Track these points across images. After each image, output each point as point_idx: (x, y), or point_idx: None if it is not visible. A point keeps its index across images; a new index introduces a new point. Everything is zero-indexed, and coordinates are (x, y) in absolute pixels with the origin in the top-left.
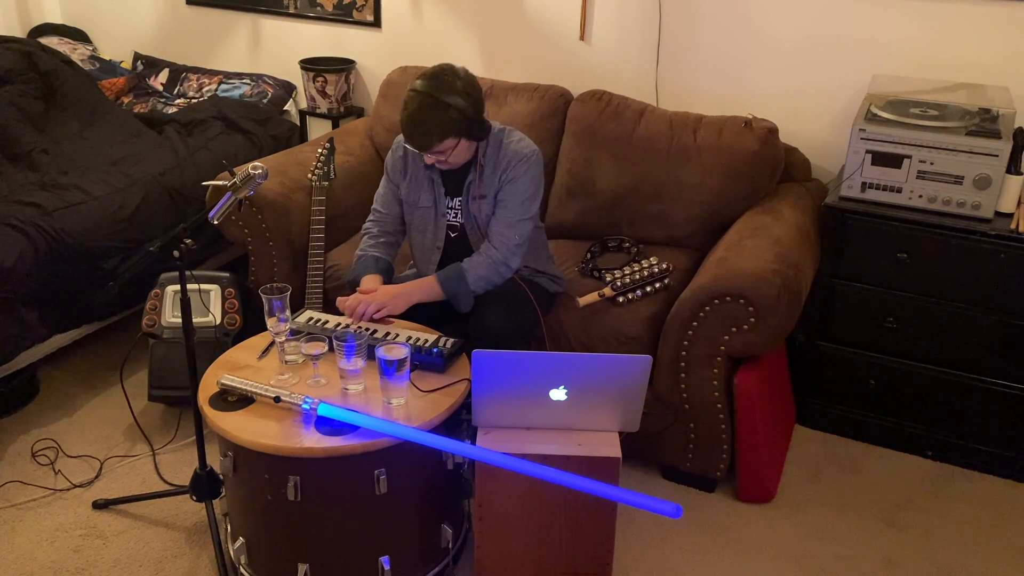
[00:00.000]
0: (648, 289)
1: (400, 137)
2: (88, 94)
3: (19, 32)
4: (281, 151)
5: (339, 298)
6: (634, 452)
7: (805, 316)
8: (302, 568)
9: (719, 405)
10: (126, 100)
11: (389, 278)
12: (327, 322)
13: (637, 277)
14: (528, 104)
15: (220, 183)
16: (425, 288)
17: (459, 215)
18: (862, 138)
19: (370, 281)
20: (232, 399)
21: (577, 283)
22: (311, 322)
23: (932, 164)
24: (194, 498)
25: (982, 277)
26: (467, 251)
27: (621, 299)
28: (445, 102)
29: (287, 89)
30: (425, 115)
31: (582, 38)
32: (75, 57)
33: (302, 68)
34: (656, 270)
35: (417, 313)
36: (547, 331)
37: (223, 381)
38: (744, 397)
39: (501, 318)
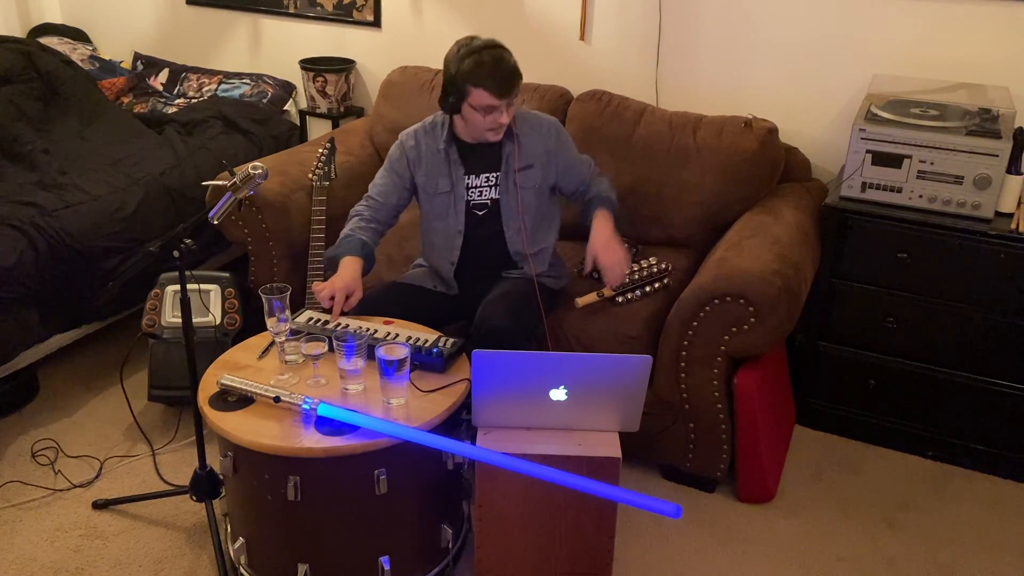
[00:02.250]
0: (647, 289)
1: (409, 131)
2: (88, 94)
3: (19, 32)
4: (281, 151)
5: (315, 283)
6: (634, 452)
7: (805, 316)
8: (302, 568)
9: (719, 405)
10: (126, 100)
11: (370, 265)
12: (327, 322)
13: (636, 277)
14: (528, 104)
15: (220, 183)
16: (609, 222)
17: (489, 192)
18: (862, 138)
19: (350, 263)
20: (232, 399)
21: (576, 283)
22: (311, 322)
23: (932, 164)
24: (194, 498)
25: (982, 277)
26: (496, 230)
27: (620, 299)
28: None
29: (287, 89)
30: (510, 59)
31: (582, 38)
32: (75, 57)
33: (302, 68)
34: (656, 270)
35: (417, 313)
36: (547, 331)
37: (223, 381)
38: (744, 397)
39: (506, 316)
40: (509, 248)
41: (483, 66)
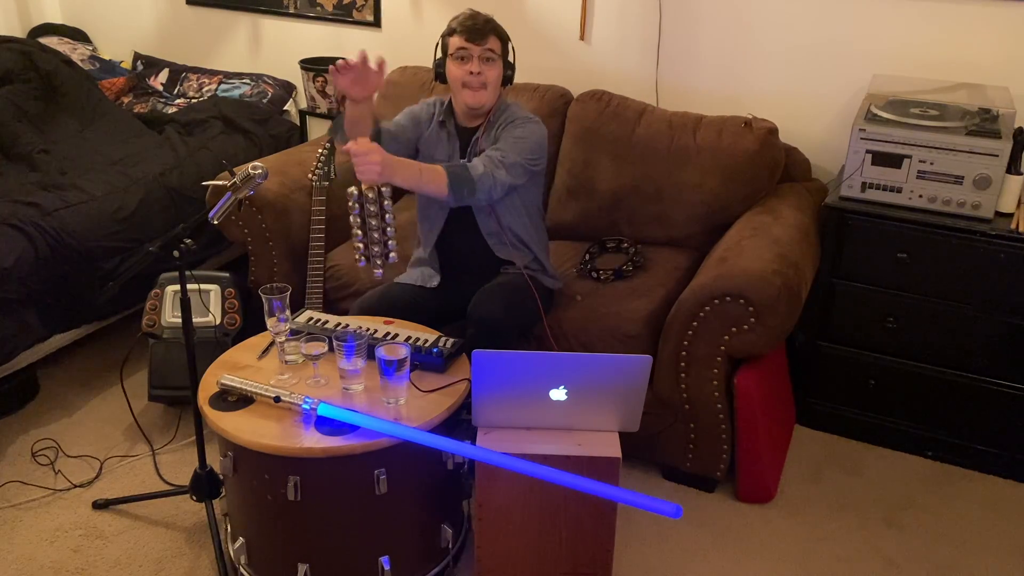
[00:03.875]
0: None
1: (433, 97)
2: (88, 94)
3: (19, 32)
4: (281, 151)
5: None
6: (634, 452)
7: (805, 316)
8: (302, 568)
9: (719, 405)
10: (126, 100)
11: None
12: (327, 322)
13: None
14: (528, 104)
15: (220, 183)
16: (430, 168)
17: None
18: (862, 138)
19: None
20: (232, 399)
21: (575, 284)
22: (311, 322)
23: (932, 164)
24: (194, 498)
25: (982, 277)
26: (470, 213)
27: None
28: (500, 24)
29: (287, 89)
30: (487, 15)
31: (582, 38)
32: (75, 57)
33: (302, 68)
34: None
35: (417, 313)
36: (547, 330)
37: (223, 381)
38: (744, 397)
39: (498, 307)
40: (482, 230)
41: (459, 16)
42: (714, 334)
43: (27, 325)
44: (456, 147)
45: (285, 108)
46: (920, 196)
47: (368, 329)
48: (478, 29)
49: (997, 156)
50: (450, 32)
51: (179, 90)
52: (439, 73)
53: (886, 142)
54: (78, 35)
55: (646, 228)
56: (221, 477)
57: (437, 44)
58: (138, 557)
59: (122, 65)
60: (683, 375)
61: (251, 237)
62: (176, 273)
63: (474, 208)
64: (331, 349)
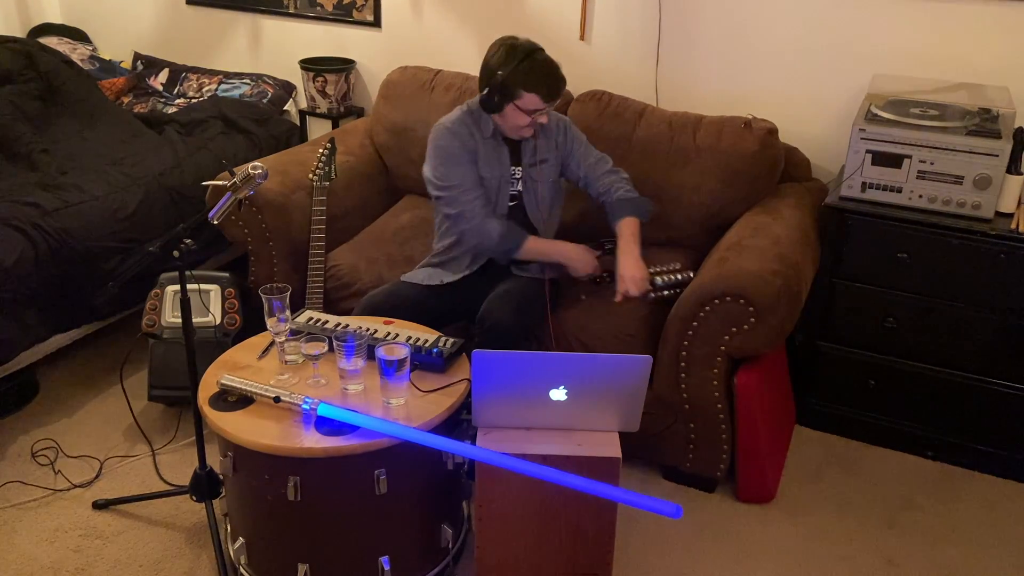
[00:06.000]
0: (665, 293)
1: (453, 124)
2: (88, 94)
3: (19, 32)
4: (281, 151)
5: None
6: (634, 452)
7: (805, 316)
8: (302, 568)
9: (719, 405)
10: (126, 100)
11: None
12: (327, 322)
13: (659, 282)
14: None
15: (220, 183)
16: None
17: (516, 184)
18: (862, 138)
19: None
20: (232, 399)
21: (573, 284)
22: (311, 322)
23: (932, 164)
24: (194, 498)
25: (982, 277)
26: (524, 219)
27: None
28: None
29: (287, 89)
30: (557, 64)
31: (582, 38)
32: (75, 57)
33: (302, 68)
34: (678, 277)
35: (420, 313)
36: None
37: (223, 381)
38: (744, 397)
39: (511, 315)
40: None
41: (536, 71)
42: (714, 334)
43: (27, 325)
44: (506, 154)
45: (285, 108)
46: (920, 196)
47: (368, 329)
48: (558, 88)
49: (997, 156)
50: (525, 85)
51: (179, 90)
52: (490, 105)
53: (886, 142)
54: (78, 35)
55: (646, 228)
56: (221, 477)
57: (496, 80)
58: (138, 557)
59: (122, 65)
60: (683, 375)
61: (251, 237)
62: (176, 273)
63: (536, 225)
64: (331, 349)
